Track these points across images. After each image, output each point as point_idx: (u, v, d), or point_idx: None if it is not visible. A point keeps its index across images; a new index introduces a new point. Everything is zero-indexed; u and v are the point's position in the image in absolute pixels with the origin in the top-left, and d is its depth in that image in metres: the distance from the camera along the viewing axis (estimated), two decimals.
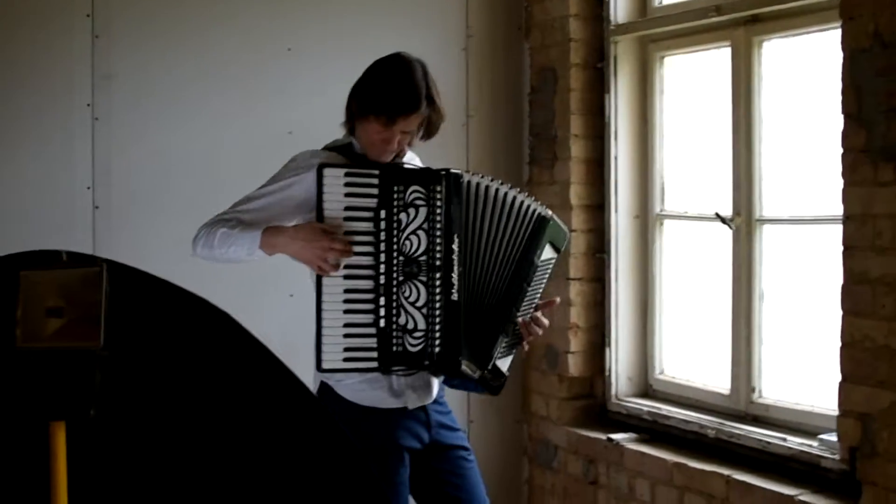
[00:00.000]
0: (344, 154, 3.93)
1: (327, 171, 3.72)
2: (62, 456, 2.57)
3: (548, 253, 3.92)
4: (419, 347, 3.71)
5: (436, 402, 4.01)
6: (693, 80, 5.70)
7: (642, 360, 5.89)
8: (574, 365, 5.92)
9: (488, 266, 3.82)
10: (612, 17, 5.80)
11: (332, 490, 2.79)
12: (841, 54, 4.40)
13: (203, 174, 5.54)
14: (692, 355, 5.72)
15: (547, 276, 3.96)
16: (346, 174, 3.74)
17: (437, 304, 3.70)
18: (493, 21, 6.23)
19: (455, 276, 3.71)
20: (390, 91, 3.79)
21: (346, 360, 3.72)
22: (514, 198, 3.85)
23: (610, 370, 5.87)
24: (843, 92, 4.40)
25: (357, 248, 3.71)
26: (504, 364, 3.91)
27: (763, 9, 5.00)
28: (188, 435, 2.77)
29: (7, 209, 5.14)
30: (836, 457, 4.58)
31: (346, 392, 3.89)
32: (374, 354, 3.72)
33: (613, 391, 5.87)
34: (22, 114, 5.25)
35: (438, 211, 3.71)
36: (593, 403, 5.99)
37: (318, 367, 3.74)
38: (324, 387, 3.94)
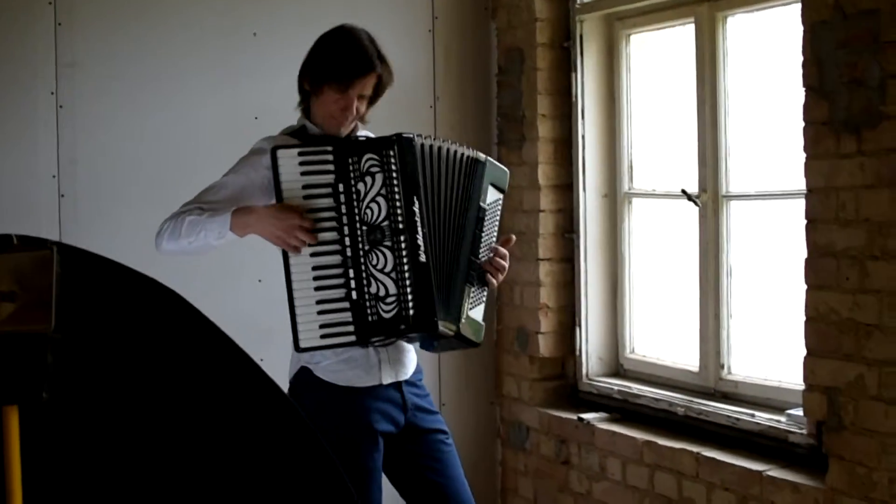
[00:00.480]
0: (299, 137, 3.95)
1: (281, 153, 3.72)
2: (16, 440, 2.55)
3: (492, 195, 3.95)
4: (393, 312, 3.70)
5: (412, 384, 4.00)
6: (659, 57, 5.69)
7: (613, 339, 5.89)
8: (545, 346, 5.92)
9: (447, 222, 3.83)
10: None
11: (288, 470, 2.78)
12: (801, 27, 4.40)
13: (169, 161, 5.51)
14: (662, 334, 5.72)
15: (497, 218, 3.99)
16: (300, 153, 3.74)
17: (406, 268, 3.70)
18: (460, 2, 6.21)
19: (420, 237, 3.71)
20: (343, 56, 3.84)
21: (323, 336, 3.71)
22: (455, 150, 3.87)
23: (580, 350, 5.87)
24: (804, 65, 4.39)
25: (320, 224, 3.71)
26: (478, 313, 3.92)
27: None
28: (140, 416, 2.76)
29: None
30: (804, 431, 4.59)
31: (325, 374, 3.89)
32: (351, 328, 3.71)
33: (584, 371, 5.86)
34: None
35: (395, 175, 3.71)
36: (564, 384, 5.99)
37: (296, 348, 3.73)
38: (303, 370, 3.94)
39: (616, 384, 5.68)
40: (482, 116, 6.28)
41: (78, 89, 5.33)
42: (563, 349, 5.96)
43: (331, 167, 3.72)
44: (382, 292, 3.70)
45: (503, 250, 3.96)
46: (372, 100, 3.94)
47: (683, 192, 5.25)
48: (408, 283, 3.70)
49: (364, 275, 3.70)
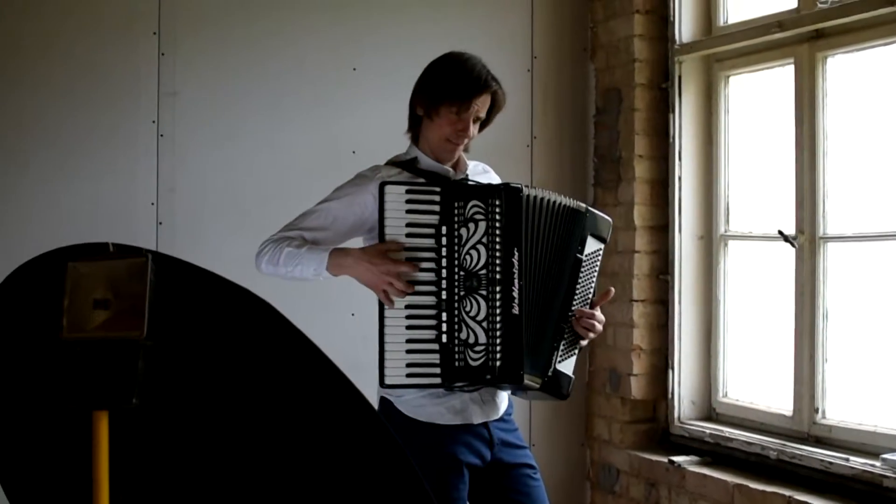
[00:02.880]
0: (408, 169, 3.92)
1: (388, 189, 3.70)
2: (105, 445, 2.57)
3: (592, 245, 3.88)
4: (480, 362, 3.67)
5: (500, 419, 3.97)
6: (757, 98, 5.66)
7: (706, 382, 5.82)
8: (637, 388, 5.87)
9: (544, 274, 3.78)
10: (676, 37, 5.78)
11: (373, 488, 2.78)
12: None
13: (266, 192, 5.57)
14: (756, 377, 5.65)
15: (596, 268, 3.92)
16: (408, 191, 3.70)
17: (498, 318, 3.66)
18: (559, 42, 6.23)
19: (515, 289, 3.67)
20: (459, 76, 3.82)
21: (409, 375, 3.68)
22: (558, 202, 3.83)
23: (673, 393, 5.81)
24: None
25: (420, 264, 3.69)
26: (567, 367, 3.86)
27: (826, 23, 4.96)
28: (229, 426, 2.77)
29: (72, 224, 5.19)
30: None
31: (405, 407, 3.86)
32: (437, 370, 3.68)
33: (676, 414, 5.80)
34: (88, 130, 5.32)
35: (497, 224, 3.68)
36: (656, 427, 5.94)
37: (381, 383, 3.70)
38: (384, 401, 3.91)
39: (708, 427, 5.62)
40: (579, 157, 6.28)
41: (178, 119, 5.42)
42: (655, 392, 5.91)
43: (436, 208, 3.70)
44: (472, 339, 3.67)
45: (599, 315, 3.91)
46: (484, 123, 3.93)
47: (780, 233, 5.19)
48: (498, 334, 3.66)
49: (456, 320, 3.67)
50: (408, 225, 3.69)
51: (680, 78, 5.79)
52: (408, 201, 3.70)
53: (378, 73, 5.77)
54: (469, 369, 3.68)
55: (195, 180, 5.47)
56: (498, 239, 3.68)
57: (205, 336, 2.79)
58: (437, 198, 3.70)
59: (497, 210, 3.68)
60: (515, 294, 3.67)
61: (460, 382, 3.72)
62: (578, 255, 3.82)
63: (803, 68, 5.16)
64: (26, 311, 2.78)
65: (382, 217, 3.70)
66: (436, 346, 3.68)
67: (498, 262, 3.67)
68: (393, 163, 3.99)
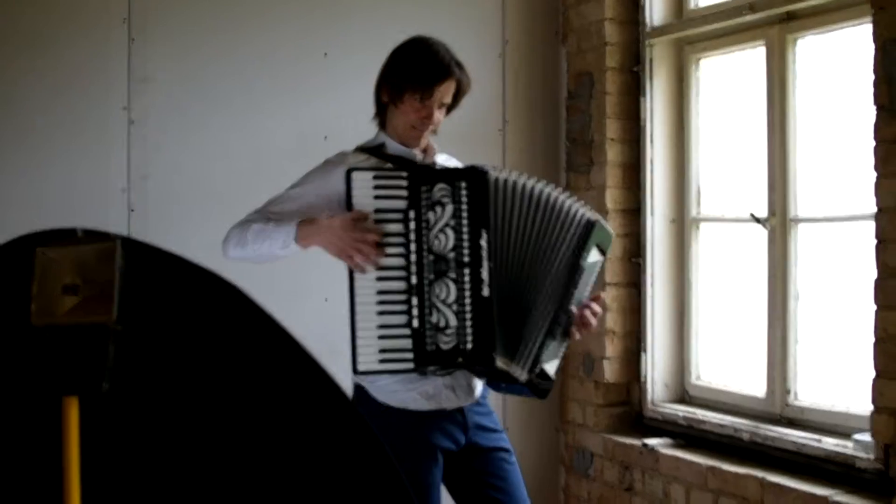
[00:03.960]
0: (375, 155, 3.92)
1: (356, 175, 3.69)
2: (75, 431, 2.56)
3: (594, 256, 3.82)
4: (451, 345, 3.65)
5: (476, 403, 3.95)
6: (728, 81, 5.67)
7: (679, 365, 5.84)
8: (610, 371, 5.88)
9: (524, 262, 3.75)
10: (647, 20, 5.78)
11: (347, 477, 2.77)
12: (872, 45, 4.37)
13: (239, 178, 5.55)
14: (729, 359, 5.67)
15: (593, 278, 3.88)
16: (375, 176, 3.70)
17: (467, 301, 3.65)
18: (530, 27, 6.23)
19: (485, 271, 3.65)
20: (422, 63, 3.83)
21: (381, 361, 3.67)
22: (557, 199, 3.78)
23: (646, 376, 5.83)
24: (876, 83, 4.36)
25: (388, 250, 3.68)
26: (552, 367, 3.84)
27: (797, 5, 4.97)
28: (200, 411, 2.76)
29: (43, 211, 5.16)
30: (871, 456, 4.52)
31: (379, 394, 3.86)
32: (410, 355, 3.67)
33: (649, 397, 5.82)
34: (58, 117, 5.28)
35: (464, 207, 3.66)
36: (629, 410, 5.95)
37: (354, 370, 3.69)
38: (357, 388, 3.91)
39: (681, 410, 5.63)
40: (551, 141, 6.28)
41: (150, 105, 5.39)
42: (628, 375, 5.92)
43: (404, 193, 3.69)
44: (443, 323, 3.66)
45: (596, 307, 3.87)
46: (450, 108, 3.93)
47: (752, 215, 5.21)
48: (468, 316, 3.65)
49: (427, 304, 3.66)
50: (376, 211, 3.68)
51: (651, 61, 5.80)
52: (375, 187, 3.69)
53: (349, 59, 5.75)
54: (440, 353, 3.67)
55: (167, 167, 5.44)
56: (465, 221, 3.66)
57: (175, 321, 2.78)
58: (404, 182, 3.69)
59: (463, 192, 3.67)
60: (485, 276, 3.65)
61: (432, 366, 3.71)
62: (582, 263, 3.78)
63: (774, 50, 5.18)
64: None
65: (350, 203, 3.69)
66: (407, 332, 3.67)
67: (466, 244, 3.66)
68: (360, 149, 3.99)
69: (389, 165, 3.84)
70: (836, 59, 5.01)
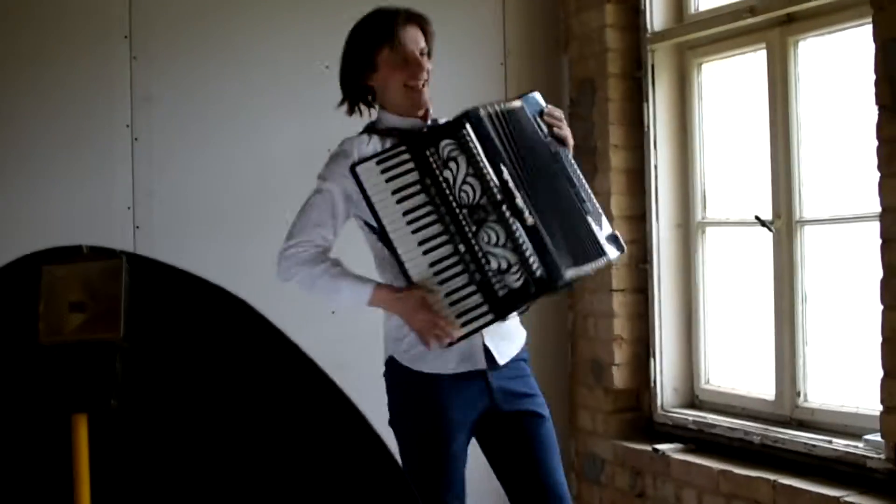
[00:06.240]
0: (372, 132, 3.94)
1: (360, 169, 3.71)
2: (85, 448, 2.57)
3: (543, 125, 3.92)
4: (521, 281, 3.66)
5: (506, 367, 3.93)
6: (730, 84, 5.67)
7: (688, 370, 5.84)
8: (619, 377, 5.87)
9: (538, 173, 3.80)
10: (648, 26, 5.78)
11: (352, 476, 2.77)
12: (873, 46, 4.37)
13: (243, 192, 5.57)
14: (738, 363, 5.67)
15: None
16: (378, 162, 3.71)
17: (518, 234, 3.66)
18: (531, 35, 6.23)
19: (520, 201, 3.67)
20: (377, 17, 3.89)
21: (463, 324, 3.69)
22: (507, 107, 3.84)
23: (655, 382, 5.82)
24: (877, 83, 4.36)
25: (422, 222, 3.69)
26: (606, 230, 3.93)
27: (797, 7, 4.97)
28: (209, 425, 2.76)
29: (48, 230, 5.15)
30: (882, 456, 4.52)
31: (406, 359, 3.89)
32: (486, 308, 3.68)
33: (659, 402, 5.81)
34: (62, 136, 5.28)
35: (475, 152, 3.69)
36: (639, 416, 5.94)
37: (442, 346, 3.74)
38: (389, 361, 3.96)
39: (691, 415, 5.63)
40: None
41: (153, 122, 5.40)
42: (637, 381, 5.92)
43: (411, 165, 3.70)
44: (505, 265, 3.66)
45: (554, 111, 3.96)
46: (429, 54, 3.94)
47: (757, 218, 5.21)
48: (524, 248, 3.66)
49: (480, 254, 3.67)
50: (394, 193, 3.70)
51: (653, 67, 5.80)
52: (382, 171, 3.70)
53: None
54: (514, 292, 3.68)
55: (171, 183, 5.45)
56: (482, 164, 3.69)
57: (183, 337, 2.78)
58: (406, 156, 3.71)
59: (469, 139, 3.70)
60: (522, 205, 3.68)
61: (512, 307, 3.73)
62: (545, 139, 3.85)
63: (775, 53, 5.18)
64: (2, 317, 2.77)
65: (368, 199, 3.71)
66: (474, 287, 3.68)
67: (493, 184, 3.68)
68: (364, 131, 3.99)
69: (388, 144, 3.84)
70: (838, 60, 5.01)
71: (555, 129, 3.88)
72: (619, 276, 5.85)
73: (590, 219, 3.83)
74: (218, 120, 5.54)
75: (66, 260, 2.62)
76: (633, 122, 5.88)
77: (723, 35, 5.50)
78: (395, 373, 3.93)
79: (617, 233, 3.98)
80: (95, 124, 5.34)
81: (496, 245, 3.68)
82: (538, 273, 3.66)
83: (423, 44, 3.87)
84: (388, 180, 3.70)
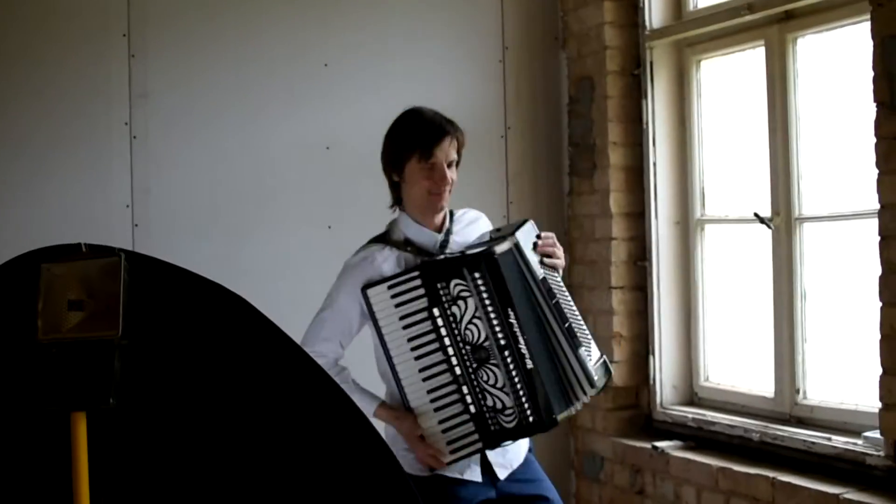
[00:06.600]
0: (389, 244, 3.96)
1: (371, 293, 3.78)
2: (84, 446, 2.56)
3: (534, 257, 3.89)
4: (514, 423, 3.74)
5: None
6: (729, 82, 5.66)
7: (687, 367, 5.83)
8: (618, 375, 5.87)
9: (538, 315, 3.80)
10: (647, 23, 5.78)
11: (351, 473, 2.77)
12: (871, 42, 4.36)
13: (241, 190, 5.56)
14: (736, 360, 5.66)
15: (557, 272, 3.98)
16: (389, 287, 3.78)
17: (516, 380, 3.72)
18: (530, 32, 6.23)
19: (523, 346, 3.72)
20: (416, 127, 3.87)
21: (452, 451, 3.80)
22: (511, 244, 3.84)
23: (654, 379, 5.82)
24: (875, 80, 4.35)
25: (425, 350, 3.77)
26: (595, 356, 3.94)
27: (795, 4, 4.97)
28: (207, 423, 2.76)
29: (46, 227, 5.15)
30: (881, 453, 4.51)
31: (408, 466, 3.91)
32: (476, 437, 3.78)
33: (658, 400, 5.81)
34: (60, 134, 5.28)
35: (485, 296, 3.72)
36: (638, 413, 5.94)
37: (430, 468, 3.85)
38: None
39: (690, 412, 5.63)
40: (553, 146, 6.27)
41: (151, 120, 5.40)
42: (636, 378, 5.92)
43: (422, 292, 3.76)
44: (500, 405, 3.74)
45: (547, 239, 3.94)
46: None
47: (756, 215, 5.20)
48: (521, 394, 3.72)
49: (477, 389, 3.75)
50: (401, 318, 3.78)
51: (651, 64, 5.80)
52: (393, 296, 3.78)
53: (349, 69, 5.76)
54: (505, 431, 3.77)
55: (170, 181, 5.44)
56: (490, 309, 3.73)
57: (182, 334, 2.78)
58: (418, 282, 3.77)
59: (479, 282, 3.72)
60: (524, 350, 3.73)
61: (502, 442, 3.82)
62: (537, 276, 3.83)
63: (774, 50, 5.18)
64: (1, 315, 2.77)
65: (376, 322, 3.79)
66: (467, 417, 3.78)
67: (497, 329, 3.73)
68: (375, 240, 4.02)
69: (404, 260, 3.90)
70: (836, 57, 5.00)
71: (546, 260, 3.90)
72: (618, 273, 5.85)
73: (582, 352, 3.83)
74: (216, 117, 5.54)
75: (64, 258, 2.62)
76: (632, 119, 5.88)
77: (721, 32, 5.50)
78: None
79: (605, 358, 4.04)
80: (93, 122, 5.34)
81: (493, 386, 3.75)
82: (531, 419, 3.73)
83: (453, 156, 3.88)
84: (397, 305, 3.78)
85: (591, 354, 3.91)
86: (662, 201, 5.81)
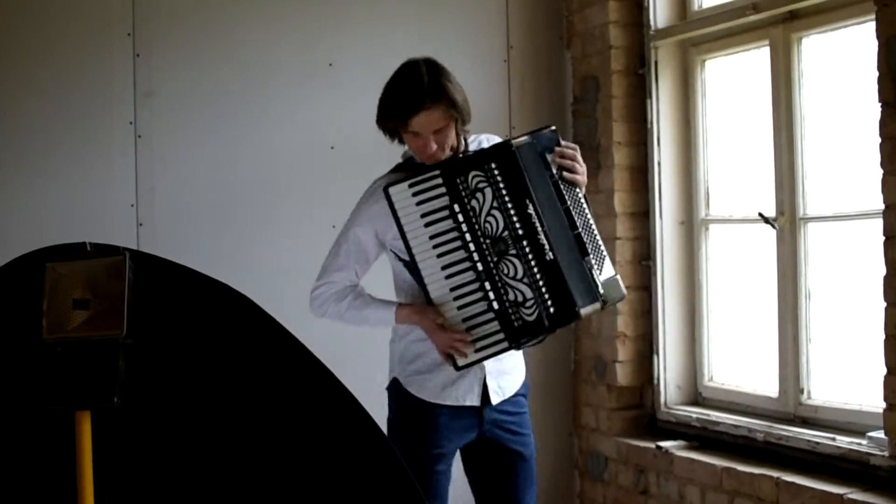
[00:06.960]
0: (406, 169, 3.96)
1: (393, 190, 3.77)
2: (88, 445, 2.57)
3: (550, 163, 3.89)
4: (535, 315, 3.73)
5: (503, 402, 4.03)
6: (734, 81, 5.66)
7: (691, 367, 5.83)
8: (623, 374, 5.87)
9: (557, 208, 3.80)
10: (651, 23, 5.77)
11: (355, 470, 2.78)
12: (876, 42, 4.36)
13: (246, 189, 5.57)
14: (741, 361, 5.66)
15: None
16: (410, 185, 3.78)
17: (535, 271, 3.72)
18: (534, 32, 6.22)
19: (542, 237, 3.73)
20: (396, 95, 3.80)
21: (477, 350, 3.79)
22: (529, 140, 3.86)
23: (659, 379, 5.82)
24: (880, 80, 4.36)
25: (447, 247, 3.78)
26: (608, 270, 3.89)
27: (800, 4, 4.97)
28: (212, 420, 2.76)
29: (51, 226, 5.16)
30: (885, 454, 4.51)
31: (411, 385, 4.01)
32: (501, 336, 3.78)
33: (662, 400, 5.81)
34: (65, 133, 5.29)
35: (501, 186, 3.75)
36: (643, 413, 5.94)
37: (455, 367, 3.81)
38: (393, 381, 4.07)
39: (695, 412, 5.62)
40: None
41: (156, 119, 5.40)
42: (641, 378, 5.91)
43: (443, 189, 3.77)
44: (521, 298, 3.74)
45: (567, 150, 3.93)
46: (457, 122, 3.84)
47: (760, 215, 5.20)
48: (541, 284, 3.72)
49: (500, 284, 3.75)
50: (423, 216, 3.78)
51: (656, 63, 5.79)
52: (414, 194, 3.78)
53: (354, 68, 5.75)
54: (528, 325, 3.76)
55: (174, 180, 5.45)
56: (507, 199, 3.75)
57: (187, 333, 2.79)
58: (439, 180, 3.78)
59: (496, 172, 3.76)
60: (543, 241, 3.73)
61: (524, 339, 3.81)
62: (553, 177, 3.83)
63: (778, 50, 5.17)
64: (6, 314, 2.77)
65: (398, 221, 3.79)
66: (491, 315, 3.78)
67: (516, 219, 3.75)
68: (396, 168, 4.03)
69: (422, 170, 3.86)
70: (841, 57, 5.00)
71: (565, 175, 3.86)
72: (623, 273, 5.83)
73: (592, 260, 3.81)
74: (220, 116, 5.54)
75: (69, 257, 2.62)
76: (637, 119, 5.88)
77: (726, 32, 5.50)
78: (397, 395, 4.05)
79: (618, 277, 3.96)
80: (98, 121, 5.35)
81: (514, 278, 3.75)
82: (552, 310, 3.73)
83: (436, 125, 3.76)
84: (418, 203, 3.78)
85: (602, 270, 3.87)
86: (667, 201, 5.80)
